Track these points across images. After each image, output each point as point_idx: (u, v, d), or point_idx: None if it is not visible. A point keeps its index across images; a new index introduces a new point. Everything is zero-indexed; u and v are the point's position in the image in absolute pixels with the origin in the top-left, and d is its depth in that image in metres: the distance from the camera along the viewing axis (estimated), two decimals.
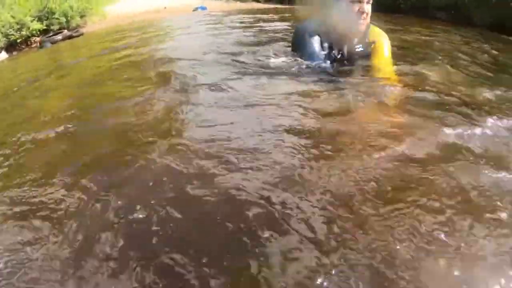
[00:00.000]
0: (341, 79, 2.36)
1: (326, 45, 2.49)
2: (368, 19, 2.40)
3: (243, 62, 2.98)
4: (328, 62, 2.50)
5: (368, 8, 2.32)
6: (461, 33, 7.13)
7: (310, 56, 2.47)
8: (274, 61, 2.75)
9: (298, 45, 2.58)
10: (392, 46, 2.67)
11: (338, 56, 2.53)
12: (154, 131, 1.95)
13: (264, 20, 8.29)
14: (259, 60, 2.96)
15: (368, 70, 2.53)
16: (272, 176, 1.42)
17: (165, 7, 14.81)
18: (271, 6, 14.69)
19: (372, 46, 2.50)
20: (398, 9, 14.57)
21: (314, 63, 2.45)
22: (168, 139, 1.80)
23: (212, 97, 2.30)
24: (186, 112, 2.12)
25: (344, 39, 2.47)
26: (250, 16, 10.25)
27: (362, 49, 2.50)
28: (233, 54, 3.43)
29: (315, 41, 2.47)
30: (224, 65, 3.00)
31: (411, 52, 4.21)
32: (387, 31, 2.70)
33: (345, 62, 2.54)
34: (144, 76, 3.09)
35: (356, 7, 2.30)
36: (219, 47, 4.00)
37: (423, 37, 6.00)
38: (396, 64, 2.76)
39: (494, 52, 4.51)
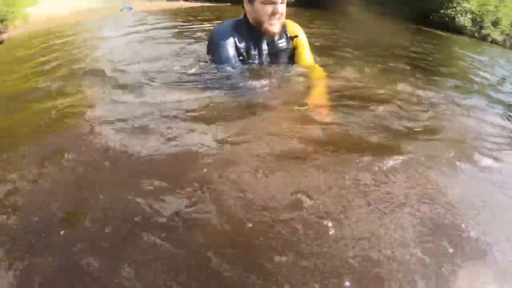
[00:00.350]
0: (255, 82, 2.38)
1: (242, 45, 2.49)
2: (283, 18, 2.46)
3: (158, 71, 2.91)
4: (251, 62, 2.53)
5: (282, 8, 2.38)
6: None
7: (225, 60, 2.43)
8: (190, 70, 2.69)
9: (213, 50, 2.53)
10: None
11: (264, 54, 2.57)
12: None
13: (190, 21, 8.75)
14: (173, 68, 2.92)
15: (291, 64, 2.65)
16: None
17: (91, 9, 14.62)
18: (199, 4, 15.49)
19: (294, 40, 2.61)
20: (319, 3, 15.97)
21: (228, 68, 2.41)
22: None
23: (125, 109, 2.23)
24: (98, 122, 2.05)
25: (261, 38, 2.52)
26: (176, 16, 10.67)
27: (285, 44, 2.59)
28: (150, 60, 3.42)
29: (230, 45, 2.45)
30: (141, 74, 2.89)
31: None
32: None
33: (269, 60, 2.59)
34: (60, 90, 2.89)
35: (270, 8, 2.33)
36: (138, 53, 4.02)
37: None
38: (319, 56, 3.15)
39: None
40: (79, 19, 12.26)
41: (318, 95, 2.38)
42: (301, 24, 2.80)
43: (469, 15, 15.24)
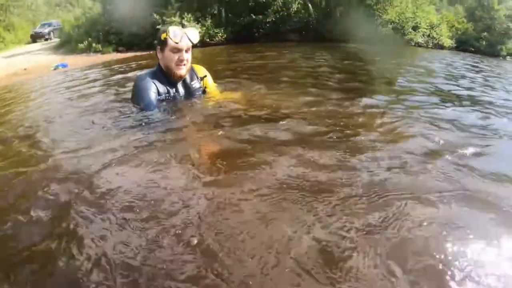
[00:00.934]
0: (177, 115, 2.64)
1: (162, 89, 2.78)
2: (189, 64, 2.81)
3: (90, 123, 2.87)
4: (170, 102, 2.84)
5: (187, 55, 2.72)
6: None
7: (147, 106, 2.70)
8: (119, 119, 2.78)
9: (137, 98, 2.80)
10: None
11: (180, 95, 2.91)
12: None
13: (120, 72, 8.92)
14: (102, 119, 2.92)
15: (204, 97, 3.04)
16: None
17: (25, 69, 14.54)
18: (131, 54, 15.57)
19: (203, 79, 3.04)
20: (254, 38, 16.99)
21: (150, 113, 2.66)
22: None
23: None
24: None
25: (176, 82, 2.87)
26: (108, 68, 10.73)
27: (198, 84, 2.98)
28: (81, 115, 3.24)
29: (152, 91, 2.73)
30: (70, 126, 2.91)
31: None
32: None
33: (184, 98, 2.93)
34: None
35: (176, 55, 2.68)
36: (70, 107, 4.12)
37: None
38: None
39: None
40: (11, 81, 12.27)
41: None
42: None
43: (389, 25, 16.57)
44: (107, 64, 12.44)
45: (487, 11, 22.76)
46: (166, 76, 2.83)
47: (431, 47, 17.79)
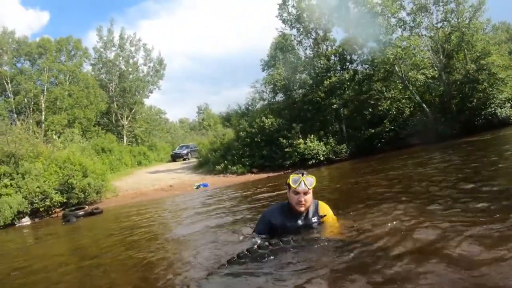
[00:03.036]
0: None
1: (278, 223, 3.44)
2: (308, 203, 3.39)
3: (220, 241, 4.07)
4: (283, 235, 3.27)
5: (306, 197, 3.31)
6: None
7: (257, 232, 3.58)
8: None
9: (256, 225, 3.71)
10: None
11: (298, 226, 3.44)
12: None
13: (254, 193, 9.95)
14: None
15: (320, 235, 3.39)
16: None
17: (170, 185, 16.35)
18: (264, 175, 16.85)
19: (323, 217, 3.51)
20: (376, 148, 17.54)
21: (254, 240, 3.44)
22: None
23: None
24: None
25: (298, 216, 3.45)
26: (244, 190, 11.79)
27: (316, 221, 3.49)
28: (214, 231, 4.78)
29: (265, 224, 3.52)
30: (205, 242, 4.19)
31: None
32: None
33: (301, 229, 3.45)
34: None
35: (296, 197, 3.32)
36: (205, 225, 5.45)
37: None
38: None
39: None
40: (161, 195, 14.15)
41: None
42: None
43: (507, 104, 15.56)
44: (242, 186, 13.46)
45: None
46: (292, 210, 3.44)
47: None
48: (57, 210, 12.09)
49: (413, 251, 2.61)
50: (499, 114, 15.34)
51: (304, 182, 3.30)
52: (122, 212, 10.33)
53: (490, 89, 16.15)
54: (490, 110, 15.65)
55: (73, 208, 11.64)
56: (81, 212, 10.90)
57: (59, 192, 12.16)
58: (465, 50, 17.26)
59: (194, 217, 7.06)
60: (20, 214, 10.68)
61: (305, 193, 3.32)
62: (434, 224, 3.25)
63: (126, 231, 6.40)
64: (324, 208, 3.57)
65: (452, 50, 17.74)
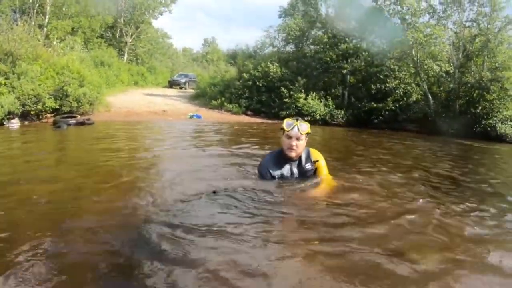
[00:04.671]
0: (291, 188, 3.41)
1: (277, 173, 3.51)
2: (300, 149, 3.43)
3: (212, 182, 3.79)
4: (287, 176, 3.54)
5: (298, 143, 3.36)
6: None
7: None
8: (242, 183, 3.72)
9: (259, 176, 3.65)
10: None
11: (294, 175, 3.54)
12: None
13: (249, 134, 10.21)
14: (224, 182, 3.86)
15: (313, 179, 3.58)
16: None
17: (164, 110, 16.32)
18: (258, 120, 17.00)
19: (316, 163, 3.59)
20: (372, 123, 17.65)
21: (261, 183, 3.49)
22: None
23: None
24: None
25: (292, 163, 3.53)
26: (237, 129, 11.96)
27: (310, 167, 3.56)
28: (208, 171, 4.49)
29: (266, 176, 3.52)
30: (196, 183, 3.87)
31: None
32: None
33: (297, 177, 3.57)
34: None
35: (288, 141, 3.37)
36: (197, 162, 5.12)
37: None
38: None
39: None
40: (153, 118, 14.17)
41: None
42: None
43: (510, 122, 15.43)
44: (236, 124, 13.56)
45: None
46: (283, 156, 3.51)
47: None
48: (48, 115, 11.92)
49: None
50: (498, 128, 15.13)
51: (298, 127, 3.34)
52: (113, 127, 10.35)
53: (498, 102, 16.03)
54: (491, 121, 15.56)
55: (65, 116, 11.50)
56: (72, 121, 10.76)
57: (52, 98, 11.90)
58: (485, 57, 16.80)
59: (182, 144, 7.12)
60: (10, 115, 10.54)
61: (298, 139, 3.36)
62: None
63: (114, 145, 6.43)
64: (316, 154, 3.64)
65: (473, 52, 17.35)
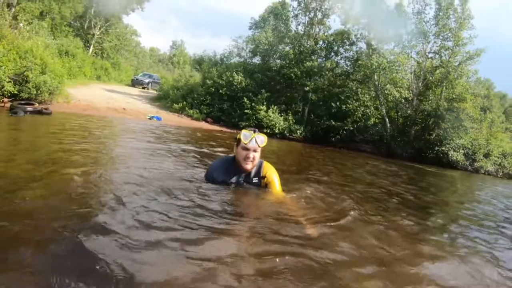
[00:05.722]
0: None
1: (220, 179, 3.41)
2: (255, 161, 3.36)
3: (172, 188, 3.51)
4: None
5: (253, 155, 3.28)
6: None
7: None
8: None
9: (205, 176, 3.59)
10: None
11: (241, 182, 3.45)
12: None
13: (204, 140, 10.30)
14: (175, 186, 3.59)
15: (257, 193, 3.49)
16: None
17: (124, 109, 16.17)
18: (217, 128, 17.10)
19: (265, 179, 3.46)
20: (329, 141, 18.29)
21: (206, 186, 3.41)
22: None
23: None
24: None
25: (241, 173, 3.43)
26: (195, 135, 12.02)
27: (257, 181, 3.46)
28: (158, 171, 4.31)
29: (210, 181, 3.45)
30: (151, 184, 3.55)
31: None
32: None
33: (241, 188, 3.47)
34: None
35: (244, 153, 3.26)
36: (150, 162, 5.01)
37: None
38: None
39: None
40: (112, 115, 13.93)
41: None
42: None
43: (461, 151, 16.84)
44: (194, 130, 13.71)
45: None
46: (236, 166, 3.42)
47: (501, 177, 17.26)
48: (5, 100, 11.59)
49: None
50: (450, 156, 16.47)
51: (256, 140, 3.28)
52: (70, 119, 10.13)
53: (452, 131, 17.21)
54: (444, 149, 16.80)
55: (23, 102, 11.08)
56: (30, 108, 10.41)
57: (12, 82, 11.52)
58: (444, 88, 18.26)
59: (137, 142, 7.30)
60: None
61: (255, 150, 3.29)
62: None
63: (68, 138, 6.32)
64: (267, 168, 3.53)
65: (432, 82, 18.75)
